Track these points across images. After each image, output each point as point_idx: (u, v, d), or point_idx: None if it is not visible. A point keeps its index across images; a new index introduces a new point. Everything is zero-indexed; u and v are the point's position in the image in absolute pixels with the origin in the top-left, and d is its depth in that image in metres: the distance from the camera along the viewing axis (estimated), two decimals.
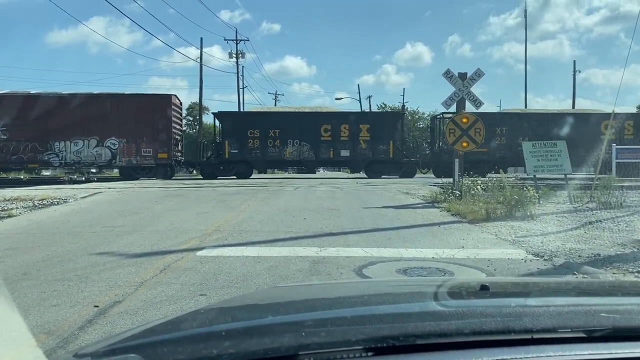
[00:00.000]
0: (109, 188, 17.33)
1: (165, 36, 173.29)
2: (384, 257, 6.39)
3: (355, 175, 29.46)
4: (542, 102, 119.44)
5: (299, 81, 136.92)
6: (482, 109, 14.75)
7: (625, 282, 3.77)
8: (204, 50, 42.33)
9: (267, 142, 26.44)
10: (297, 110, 29.10)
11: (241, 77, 48.66)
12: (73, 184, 21.83)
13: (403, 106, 58.40)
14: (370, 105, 57.79)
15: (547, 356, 1.04)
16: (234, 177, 25.75)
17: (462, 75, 13.53)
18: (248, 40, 61.37)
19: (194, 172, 29.19)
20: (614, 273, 5.60)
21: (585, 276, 5.48)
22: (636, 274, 5.57)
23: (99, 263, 6.11)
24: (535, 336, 1.10)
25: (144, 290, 4.91)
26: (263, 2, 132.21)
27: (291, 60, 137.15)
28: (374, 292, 1.70)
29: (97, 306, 4.38)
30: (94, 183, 21.73)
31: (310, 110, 28.63)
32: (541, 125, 26.47)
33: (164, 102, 24.88)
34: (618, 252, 6.60)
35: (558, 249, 6.85)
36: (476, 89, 13.60)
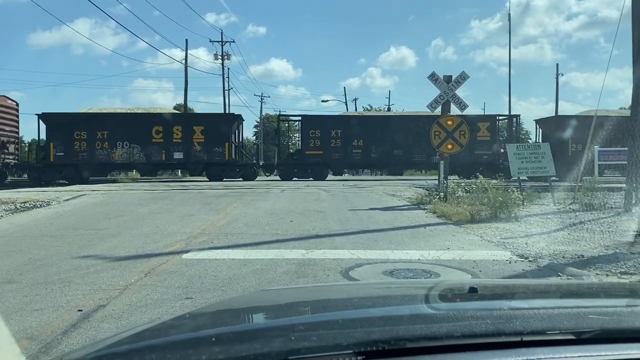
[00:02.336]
0: (93, 190, 17.15)
1: (150, 38, 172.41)
2: (371, 259, 6.41)
3: (194, 178, 28.20)
4: (525, 105, 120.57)
5: (285, 83, 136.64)
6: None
7: (613, 284, 3.82)
8: (189, 52, 42.12)
9: (95, 145, 25.53)
10: (126, 112, 28.20)
11: (227, 79, 48.44)
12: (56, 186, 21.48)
13: (389, 108, 58.68)
14: (356, 107, 58.02)
15: (537, 358, 1.05)
16: (64, 181, 24.45)
17: (447, 78, 13.57)
18: (234, 42, 60.96)
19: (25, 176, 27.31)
20: (597, 274, 5.67)
21: (570, 277, 5.54)
22: (619, 275, 5.64)
23: (82, 266, 6.03)
24: (525, 338, 1.10)
25: (129, 293, 4.86)
26: (249, 5, 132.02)
27: (277, 63, 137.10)
28: (364, 295, 1.70)
29: (81, 310, 4.33)
30: (78, 185, 21.46)
31: (141, 112, 27.93)
32: (376, 128, 26.76)
33: None
34: (601, 254, 6.68)
35: (542, 250, 6.92)
36: (460, 92, 13.65)
